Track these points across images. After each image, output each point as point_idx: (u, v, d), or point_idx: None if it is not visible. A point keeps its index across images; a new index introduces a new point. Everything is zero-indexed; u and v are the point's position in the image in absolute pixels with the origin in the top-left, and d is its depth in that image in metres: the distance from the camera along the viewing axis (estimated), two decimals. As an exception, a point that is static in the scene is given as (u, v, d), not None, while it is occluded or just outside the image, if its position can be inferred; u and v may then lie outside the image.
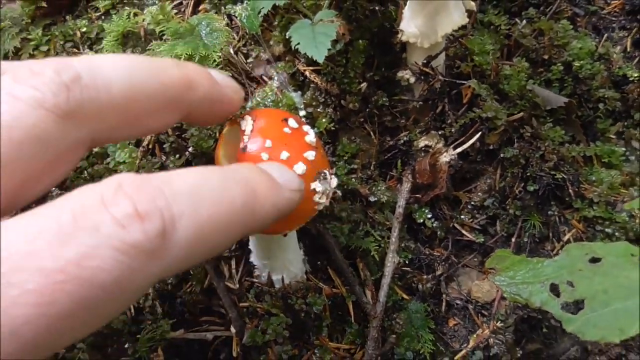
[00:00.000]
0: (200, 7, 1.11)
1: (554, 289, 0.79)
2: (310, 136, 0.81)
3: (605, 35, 1.29)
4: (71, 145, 0.46)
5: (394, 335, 0.96)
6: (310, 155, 0.78)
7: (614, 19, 1.39)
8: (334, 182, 0.82)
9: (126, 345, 0.97)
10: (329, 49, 0.88)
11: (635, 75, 1.18)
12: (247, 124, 0.78)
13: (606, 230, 1.07)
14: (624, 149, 1.14)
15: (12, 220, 0.37)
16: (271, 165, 0.61)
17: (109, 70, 0.47)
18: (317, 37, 0.88)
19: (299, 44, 0.89)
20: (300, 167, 0.76)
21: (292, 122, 0.80)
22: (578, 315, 0.76)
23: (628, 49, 1.34)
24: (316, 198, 0.79)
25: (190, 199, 0.43)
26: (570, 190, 1.06)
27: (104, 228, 0.37)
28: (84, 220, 0.37)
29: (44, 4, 1.09)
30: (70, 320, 0.36)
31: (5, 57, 1.08)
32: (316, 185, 0.78)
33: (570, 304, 0.78)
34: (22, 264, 0.35)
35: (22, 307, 0.34)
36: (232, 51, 1.02)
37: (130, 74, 0.49)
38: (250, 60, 1.05)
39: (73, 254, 0.36)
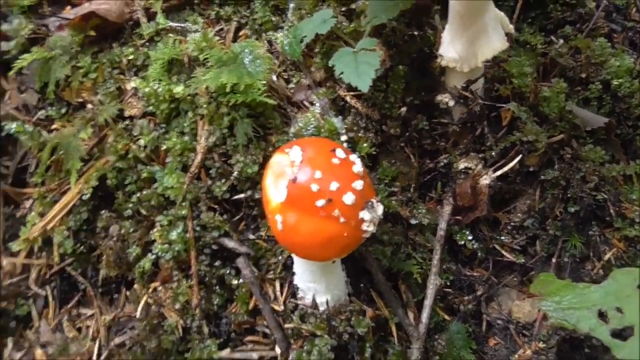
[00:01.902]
0: (241, 33, 1.14)
1: (602, 316, 0.80)
2: (358, 166, 0.83)
3: (642, 51, 1.28)
4: None
5: (437, 357, 0.97)
6: (359, 185, 0.80)
7: (649, 33, 1.38)
8: (380, 209, 0.83)
9: (175, 365, 1.00)
10: (371, 78, 0.90)
11: (675, 92, 1.17)
12: (296, 154, 0.81)
13: (648, 249, 1.07)
14: (664, 167, 1.14)
15: None
16: None
17: None
18: (360, 66, 0.90)
19: (342, 73, 0.91)
20: (349, 198, 0.78)
21: (339, 153, 0.82)
22: (628, 342, 0.76)
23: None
24: (364, 226, 0.81)
25: None
26: (611, 210, 1.06)
27: None
28: None
29: (91, 32, 1.13)
30: None
31: (57, 85, 1.12)
32: (364, 214, 0.80)
33: (619, 330, 0.79)
34: None
35: None
36: (274, 77, 1.05)
37: None
38: (291, 85, 1.07)
39: None
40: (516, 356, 1.03)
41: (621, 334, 0.78)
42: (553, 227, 1.05)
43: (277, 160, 0.82)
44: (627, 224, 1.07)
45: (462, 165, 1.04)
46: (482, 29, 0.97)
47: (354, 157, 0.83)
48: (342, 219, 0.77)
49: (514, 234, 1.07)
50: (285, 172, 0.80)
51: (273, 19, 1.12)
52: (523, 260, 1.06)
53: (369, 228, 0.80)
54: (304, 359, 0.96)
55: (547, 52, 1.18)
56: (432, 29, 1.09)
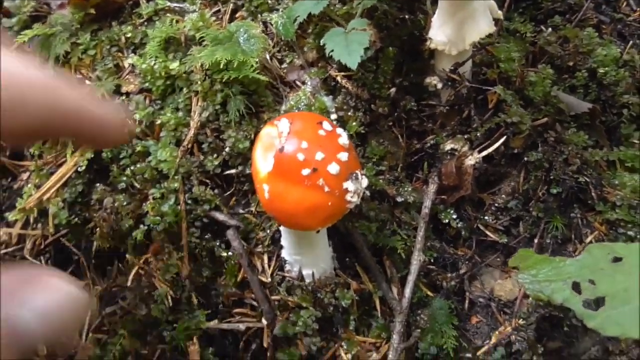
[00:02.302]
0: (237, 15, 1.17)
1: (576, 287, 0.83)
2: (343, 138, 0.85)
3: (631, 42, 1.31)
4: None
5: (419, 330, 1.00)
6: (344, 156, 0.83)
7: (639, 25, 1.41)
8: (365, 182, 0.86)
9: (164, 334, 1.03)
10: (361, 56, 0.93)
11: (660, 82, 1.20)
12: (284, 126, 0.84)
13: (628, 232, 1.09)
14: (647, 154, 1.16)
15: None
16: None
17: None
18: (350, 45, 0.93)
19: (332, 51, 0.94)
20: (334, 168, 0.81)
21: (326, 125, 0.85)
22: (599, 312, 0.79)
23: (654, 56, 1.35)
24: (348, 197, 0.83)
25: None
26: (593, 194, 1.08)
27: None
28: None
29: (92, 11, 1.15)
30: None
31: (56, 60, 1.15)
32: (348, 185, 0.82)
33: (592, 301, 0.81)
34: None
35: None
36: (267, 57, 1.07)
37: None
38: (284, 65, 1.10)
39: None
40: (497, 332, 1.06)
41: (593, 305, 0.80)
42: (536, 209, 1.08)
43: (267, 132, 0.85)
44: (609, 208, 1.10)
45: (448, 146, 1.07)
46: (470, 14, 1.00)
47: (340, 131, 0.86)
48: (326, 189, 0.80)
49: (497, 214, 1.10)
50: (273, 144, 0.83)
51: (269, 1, 1.15)
52: (506, 240, 1.09)
53: (352, 199, 0.83)
54: (289, 329, 0.99)
55: (536, 40, 1.21)
56: (424, 14, 1.12)
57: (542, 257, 0.89)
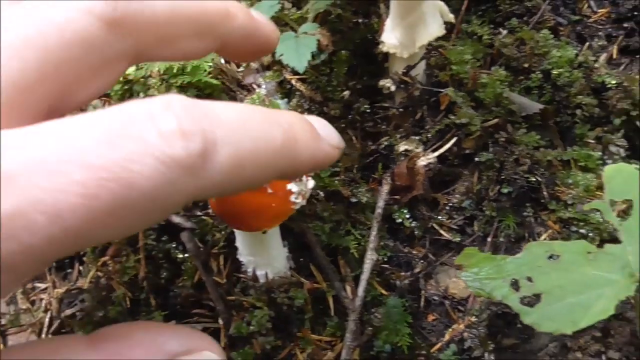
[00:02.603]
0: (196, 19, 1.18)
1: (515, 285, 0.85)
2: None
3: (587, 43, 1.34)
4: (114, 55, 0.50)
5: (371, 328, 1.01)
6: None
7: (600, 27, 1.43)
8: (310, 183, 0.88)
9: (121, 335, 1.04)
10: (310, 60, 0.95)
11: (614, 82, 1.22)
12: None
13: (580, 230, 1.11)
14: (600, 153, 1.18)
15: (65, 119, 0.41)
16: (316, 119, 0.62)
17: None
18: (299, 48, 0.95)
19: (282, 54, 0.95)
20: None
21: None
22: (535, 309, 0.81)
23: (614, 56, 1.38)
24: (292, 198, 0.85)
25: (233, 129, 0.45)
26: (544, 193, 1.10)
27: (149, 138, 0.40)
28: (131, 129, 0.40)
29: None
30: (108, 217, 0.39)
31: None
32: (292, 186, 0.84)
33: (529, 298, 0.83)
34: (71, 157, 0.38)
35: (68, 194, 0.37)
36: (223, 61, 1.09)
37: None
38: (241, 69, 1.12)
39: (117, 156, 0.38)
40: (450, 330, 1.08)
41: (531, 302, 0.82)
42: (489, 208, 1.10)
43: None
44: (562, 206, 1.12)
45: (402, 147, 1.09)
46: (420, 17, 1.02)
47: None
48: (269, 190, 0.82)
49: (452, 214, 1.12)
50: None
51: (227, 5, 1.17)
52: (460, 239, 1.11)
53: (297, 200, 0.85)
54: (243, 329, 1.00)
55: (493, 42, 1.23)
56: (378, 17, 1.14)
57: (486, 255, 0.91)
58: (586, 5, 1.44)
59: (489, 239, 1.11)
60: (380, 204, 1.05)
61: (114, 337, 0.46)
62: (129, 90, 1.10)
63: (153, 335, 0.47)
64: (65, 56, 0.46)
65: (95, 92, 0.52)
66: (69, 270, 1.14)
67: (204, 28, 0.57)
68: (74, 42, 0.46)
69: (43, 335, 1.07)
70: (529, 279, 0.84)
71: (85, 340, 0.45)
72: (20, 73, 0.44)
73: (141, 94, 1.08)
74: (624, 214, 0.98)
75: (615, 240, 0.87)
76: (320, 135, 0.57)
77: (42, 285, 1.14)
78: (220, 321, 1.03)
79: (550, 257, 0.85)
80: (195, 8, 0.55)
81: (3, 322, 1.10)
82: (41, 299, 1.13)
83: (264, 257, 1.00)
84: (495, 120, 1.07)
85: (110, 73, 0.52)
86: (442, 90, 1.07)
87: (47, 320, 1.09)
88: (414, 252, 1.10)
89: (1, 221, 0.35)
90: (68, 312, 1.09)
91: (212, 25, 0.57)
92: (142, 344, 0.45)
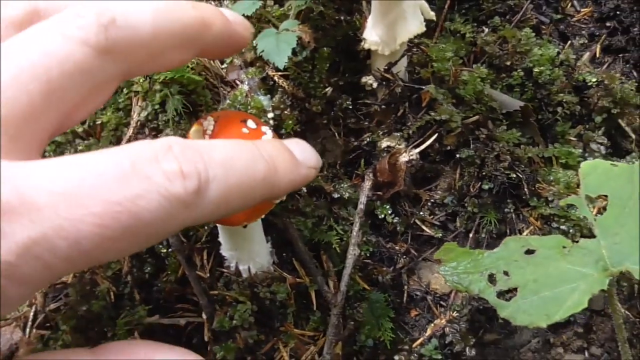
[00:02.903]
0: (181, 16, 1.19)
1: (491, 279, 0.86)
2: (267, 135, 0.88)
3: (570, 42, 1.35)
4: (108, 77, 0.56)
5: (352, 323, 1.02)
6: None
7: (583, 26, 1.44)
8: (291, 178, 0.89)
9: (105, 329, 1.05)
10: (291, 56, 0.95)
11: (594, 80, 1.24)
12: (209, 124, 0.86)
13: (561, 227, 1.13)
14: (581, 150, 1.20)
15: (83, 154, 0.48)
16: (295, 143, 0.70)
17: (138, 15, 0.57)
18: (279, 45, 0.95)
19: (263, 51, 0.96)
20: (256, 164, 0.84)
21: (250, 123, 0.87)
22: (510, 302, 0.82)
23: (597, 55, 1.39)
24: (272, 193, 0.86)
25: (223, 168, 0.53)
26: (525, 189, 1.12)
27: (155, 178, 0.48)
28: (140, 169, 0.48)
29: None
30: (116, 243, 0.47)
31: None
32: (271, 181, 0.85)
33: (505, 292, 0.84)
34: (90, 193, 0.45)
35: (86, 225, 0.45)
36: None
37: (155, 17, 0.58)
38: (224, 65, 1.13)
39: (129, 193, 0.46)
40: (432, 325, 1.09)
41: (507, 296, 0.84)
42: (471, 204, 1.11)
43: (194, 130, 0.87)
44: (543, 203, 1.13)
45: (384, 143, 1.10)
46: (400, 15, 1.03)
47: (265, 129, 0.88)
48: (249, 185, 0.83)
49: (434, 210, 1.13)
50: (200, 142, 0.85)
51: (212, 2, 1.18)
52: (442, 235, 1.12)
53: (276, 194, 0.86)
54: (226, 323, 1.01)
55: (475, 40, 1.24)
56: (360, 15, 1.15)
57: (464, 250, 0.92)
58: (569, 5, 1.46)
59: (470, 235, 1.12)
60: (363, 199, 1.06)
61: (115, 351, 0.53)
62: (114, 87, 1.11)
63: (151, 351, 0.54)
64: (67, 86, 0.52)
65: (93, 110, 0.59)
66: (54, 266, 1.14)
67: (185, 40, 0.62)
68: (74, 72, 0.52)
69: (27, 329, 1.07)
70: (506, 273, 0.85)
71: (89, 352, 0.52)
72: (28, 106, 0.49)
73: (124, 90, 1.09)
74: (604, 210, 1.00)
75: (592, 235, 0.89)
76: (299, 161, 0.66)
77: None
78: (204, 315, 1.03)
79: (527, 251, 0.86)
80: (175, 24, 0.60)
81: (-13, 317, 1.10)
82: (26, 294, 1.13)
83: (247, 252, 1.01)
84: (476, 117, 1.09)
85: (105, 93, 0.59)
86: (423, 87, 1.09)
87: (31, 314, 1.09)
88: (396, 247, 1.11)
89: (30, 244, 0.42)
90: (52, 306, 1.09)
91: (192, 37, 0.63)
92: (141, 358, 0.53)
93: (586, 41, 1.39)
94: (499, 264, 0.86)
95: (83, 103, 0.55)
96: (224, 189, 0.53)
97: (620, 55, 1.39)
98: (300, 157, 0.67)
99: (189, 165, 0.50)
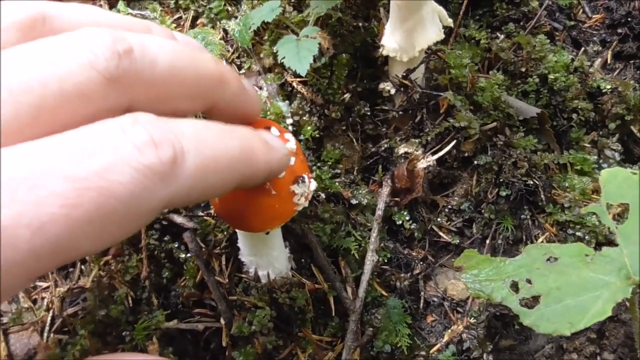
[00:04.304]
0: (198, 22, 1.19)
1: (514, 286, 0.86)
2: (291, 143, 0.88)
3: (583, 48, 1.36)
4: (109, 107, 0.51)
5: (371, 329, 1.03)
6: (290, 161, 0.86)
7: (594, 32, 1.45)
8: (313, 185, 0.89)
9: (124, 333, 1.05)
10: (312, 63, 0.96)
11: (609, 87, 1.24)
12: (234, 131, 0.86)
13: (577, 233, 1.13)
14: (596, 157, 1.20)
15: (42, 139, 0.44)
16: (263, 131, 0.69)
17: (156, 52, 0.53)
18: (300, 52, 0.96)
19: (284, 58, 0.97)
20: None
21: (274, 131, 0.88)
22: (533, 310, 0.82)
23: (609, 61, 1.40)
24: (295, 199, 0.86)
25: (195, 140, 0.50)
26: (542, 196, 1.12)
27: (124, 149, 0.44)
28: (107, 142, 0.44)
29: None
30: (89, 226, 0.42)
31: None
32: (295, 188, 0.85)
33: (528, 299, 0.85)
34: (50, 170, 0.40)
35: (49, 206, 0.39)
36: (225, 63, 1.10)
37: (173, 58, 0.55)
38: (242, 71, 1.13)
39: (96, 167, 0.42)
40: (449, 331, 1.09)
41: (529, 303, 0.84)
42: (487, 211, 1.12)
43: (217, 137, 0.88)
44: (558, 209, 1.14)
45: (402, 150, 1.10)
46: (419, 22, 1.03)
47: (288, 136, 0.88)
48: (273, 192, 0.83)
49: (451, 216, 1.14)
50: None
51: (228, 8, 1.18)
52: (459, 241, 1.12)
53: (299, 201, 0.86)
54: (245, 329, 1.01)
55: (490, 47, 1.25)
56: (378, 21, 1.15)
57: (485, 257, 0.92)
58: (581, 11, 1.46)
59: (487, 241, 1.13)
60: (381, 205, 1.06)
61: None
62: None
63: None
64: (61, 105, 0.48)
65: None
66: (71, 269, 1.14)
67: (198, 92, 0.59)
68: (72, 93, 0.48)
69: (45, 334, 1.07)
70: (528, 281, 0.85)
71: None
72: (14, 117, 0.45)
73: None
74: (620, 217, 1.00)
75: (611, 243, 0.89)
76: (272, 145, 0.66)
77: (43, 284, 1.14)
78: (222, 321, 1.03)
79: (548, 259, 0.87)
80: (192, 73, 0.57)
81: (5, 320, 1.10)
82: (43, 298, 1.13)
83: (266, 258, 1.01)
84: (494, 123, 1.09)
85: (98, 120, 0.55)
86: (441, 93, 1.09)
87: (49, 318, 1.09)
88: (413, 253, 1.11)
89: None
90: (70, 310, 1.09)
91: (206, 91, 0.60)
92: None
93: (598, 48, 1.39)
94: (521, 272, 0.87)
95: (77, 125, 0.49)
96: (201, 160, 0.49)
97: (632, 61, 1.40)
98: (271, 142, 0.67)
99: (160, 135, 0.46)
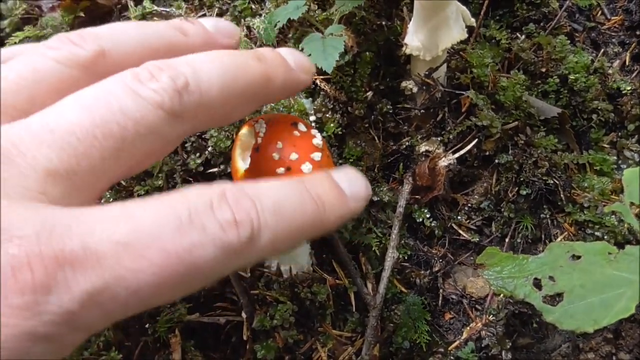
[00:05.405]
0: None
1: (537, 283, 0.87)
2: (317, 139, 0.89)
3: (602, 50, 1.36)
4: (175, 136, 0.58)
5: (392, 325, 1.04)
6: (317, 156, 0.87)
7: (613, 34, 1.46)
8: (338, 181, 0.90)
9: (146, 326, 1.06)
10: (337, 61, 0.97)
11: (628, 88, 1.25)
12: (261, 126, 0.88)
13: (596, 233, 1.14)
14: (615, 157, 1.21)
15: (141, 201, 0.49)
16: (344, 174, 0.66)
17: (208, 77, 0.58)
18: (326, 49, 0.97)
19: (310, 55, 0.98)
20: (307, 167, 0.85)
21: (301, 126, 0.89)
22: (557, 307, 0.83)
23: (627, 63, 1.40)
24: (321, 195, 0.87)
25: (274, 214, 0.54)
26: (561, 195, 1.13)
27: (210, 229, 0.49)
28: (197, 220, 0.49)
29: (81, 14, 1.19)
30: (171, 290, 0.49)
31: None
32: (321, 183, 0.86)
33: (551, 297, 0.86)
34: (152, 243, 0.47)
35: (145, 274, 0.46)
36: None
37: (223, 77, 0.59)
38: (266, 68, 1.14)
39: (186, 244, 0.48)
40: (468, 328, 1.10)
41: (552, 301, 0.85)
42: (507, 209, 1.12)
43: (244, 132, 0.89)
44: (578, 209, 1.14)
45: (423, 148, 1.11)
46: (443, 21, 1.04)
47: (314, 132, 0.89)
48: (300, 188, 0.84)
49: (470, 214, 1.14)
50: (251, 144, 0.87)
51: (252, 6, 1.19)
52: (478, 239, 1.13)
53: (326, 197, 0.87)
54: (266, 323, 1.03)
55: (511, 47, 1.26)
56: (401, 20, 1.16)
57: (507, 254, 0.93)
58: (600, 13, 1.47)
59: (506, 240, 1.13)
60: (402, 203, 1.07)
61: None
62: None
63: None
64: (138, 145, 0.54)
65: (155, 162, 0.62)
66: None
67: (249, 97, 0.64)
68: (147, 133, 0.54)
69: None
70: (551, 278, 0.86)
71: None
72: (100, 160, 0.51)
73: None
74: (637, 216, 1.01)
75: (631, 242, 0.90)
76: (347, 196, 0.64)
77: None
78: (244, 314, 1.05)
79: (571, 257, 0.88)
80: (241, 82, 0.61)
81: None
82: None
83: (288, 253, 1.02)
84: (515, 123, 1.10)
85: (169, 148, 0.62)
86: (463, 92, 1.10)
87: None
88: (433, 251, 1.12)
89: (93, 293, 0.44)
90: (93, 303, 1.11)
91: (256, 92, 0.64)
92: None
93: (617, 49, 1.40)
94: (544, 269, 0.87)
95: (150, 158, 0.58)
96: (274, 234, 0.53)
97: (651, 63, 1.40)
98: (348, 190, 0.64)
99: (243, 215, 0.51)
